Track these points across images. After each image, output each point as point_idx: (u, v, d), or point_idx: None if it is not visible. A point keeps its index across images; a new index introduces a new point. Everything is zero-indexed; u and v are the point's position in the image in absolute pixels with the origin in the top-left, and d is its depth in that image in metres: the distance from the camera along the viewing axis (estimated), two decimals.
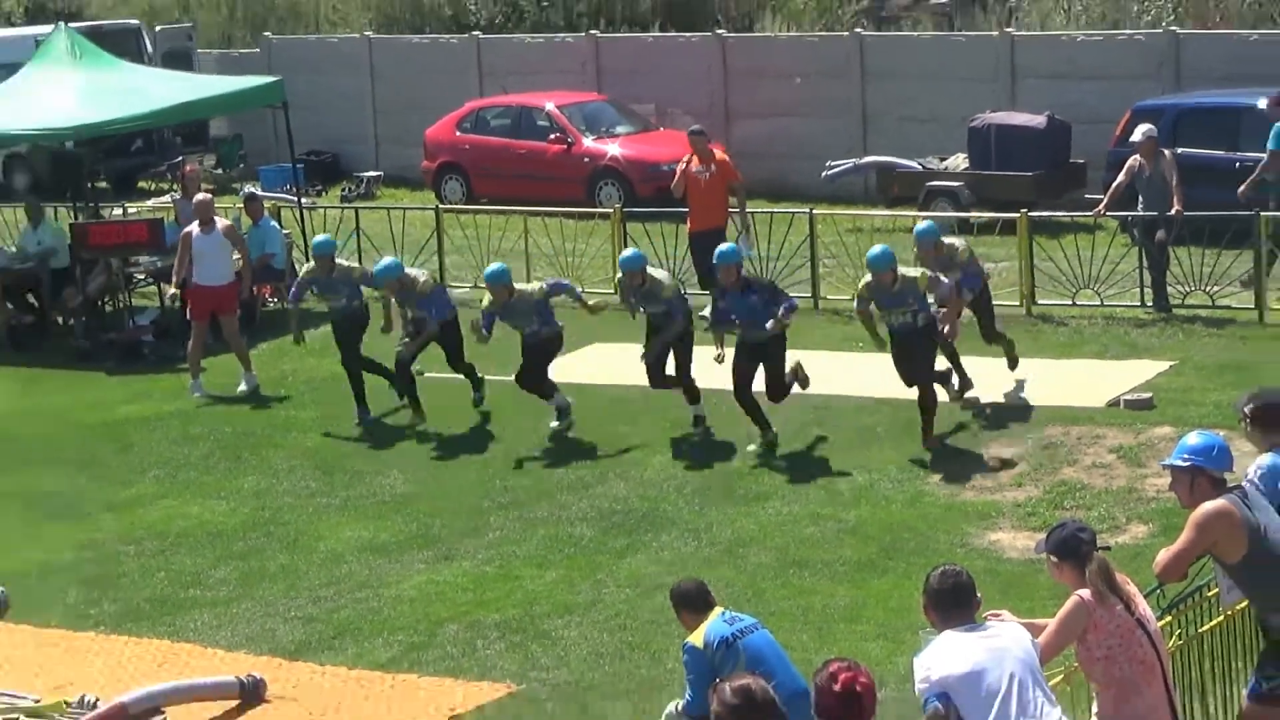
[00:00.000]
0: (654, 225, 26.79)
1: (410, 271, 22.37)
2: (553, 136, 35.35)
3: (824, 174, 32.37)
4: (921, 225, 21.69)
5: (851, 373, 22.37)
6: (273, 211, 28.78)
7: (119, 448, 22.05)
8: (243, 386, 24.11)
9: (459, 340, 22.13)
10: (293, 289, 23.56)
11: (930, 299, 19.78)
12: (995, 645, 9.29)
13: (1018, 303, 24.91)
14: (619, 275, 21.70)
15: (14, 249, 28.79)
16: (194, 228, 24.88)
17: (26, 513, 19.98)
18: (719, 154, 26.60)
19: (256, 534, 18.71)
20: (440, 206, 30.69)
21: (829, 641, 13.70)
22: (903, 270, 19.64)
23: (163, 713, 14.22)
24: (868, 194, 32.52)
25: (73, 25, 32.69)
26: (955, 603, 9.41)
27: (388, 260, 22.53)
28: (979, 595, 9.52)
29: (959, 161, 31.40)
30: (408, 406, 22.06)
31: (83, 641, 16.27)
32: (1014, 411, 20.65)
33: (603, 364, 23.82)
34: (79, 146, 30.86)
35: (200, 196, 26.17)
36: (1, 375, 26.01)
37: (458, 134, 36.68)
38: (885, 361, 19.74)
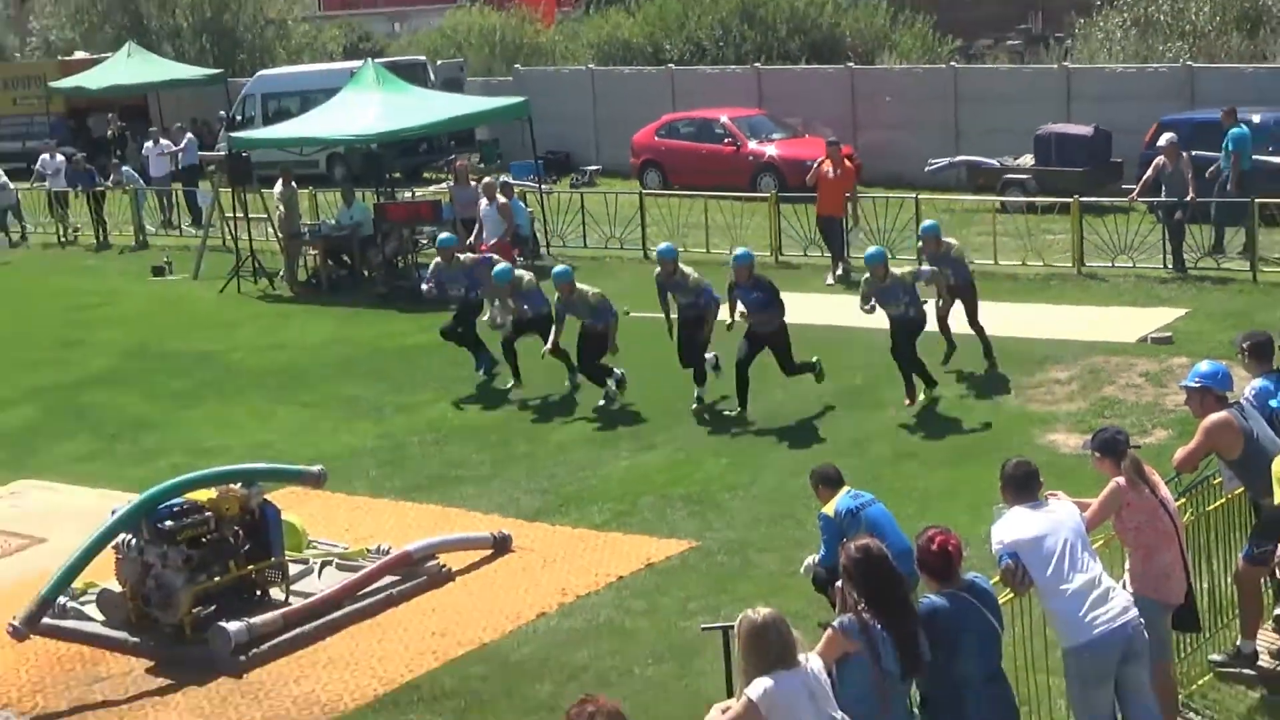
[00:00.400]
0: (799, 206, 26.72)
1: (519, 273, 20.68)
2: (726, 140, 35.30)
3: (926, 169, 32.20)
4: (926, 223, 20.32)
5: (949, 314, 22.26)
6: (520, 195, 29.03)
7: (408, 366, 22.17)
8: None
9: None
10: (425, 276, 22.26)
11: (931, 297, 18.95)
12: (1053, 518, 9.17)
13: (1070, 264, 24.69)
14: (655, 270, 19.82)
15: (334, 221, 29.10)
16: (483, 202, 26.36)
17: (341, 411, 20.14)
18: (847, 162, 26.49)
19: (505, 430, 18.74)
20: (643, 191, 30.80)
21: (928, 513, 13.49)
22: (893, 269, 18.50)
23: (437, 558, 14.27)
24: (959, 184, 32.18)
25: (377, 60, 33.11)
26: (1024, 485, 9.30)
27: (503, 265, 20.70)
28: (1041, 480, 9.39)
29: (1027, 160, 31.10)
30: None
31: (380, 505, 16.36)
32: (1068, 345, 20.33)
33: None
34: (381, 148, 31.11)
35: (487, 180, 27.47)
36: (324, 314, 26.29)
37: (656, 139, 36.75)
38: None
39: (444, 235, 22.55)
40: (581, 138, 40.39)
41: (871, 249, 18.98)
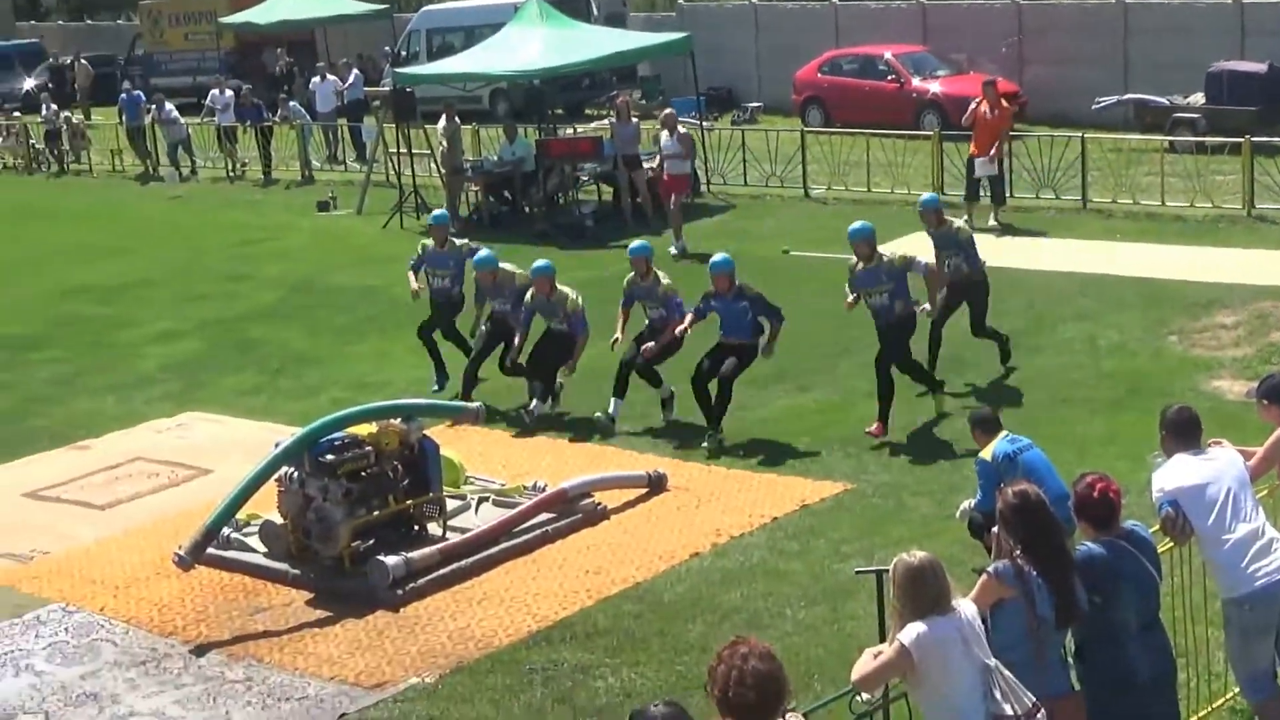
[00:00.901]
0: (963, 144, 26.29)
1: (505, 266, 17.72)
2: (889, 77, 34.97)
3: (1094, 106, 31.57)
4: (926, 195, 18.40)
5: (1112, 256, 22.00)
6: None
7: None
8: (673, 250, 24.47)
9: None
10: (412, 262, 18.91)
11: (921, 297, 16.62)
12: (1216, 466, 8.99)
13: (1240, 206, 24.08)
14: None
15: (496, 157, 29.22)
16: (663, 135, 26.07)
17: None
18: (1004, 102, 25.73)
19: (664, 368, 18.67)
20: (804, 129, 30.61)
21: (1087, 460, 13.30)
22: (883, 250, 16.21)
23: (592, 496, 14.33)
24: (1126, 123, 31.48)
25: None
26: (1186, 432, 9.13)
27: (485, 252, 18.08)
28: (1203, 427, 9.21)
29: (1198, 98, 30.35)
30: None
31: (537, 442, 16.44)
32: (1235, 289, 19.88)
33: (920, 246, 23.49)
34: (543, 84, 31.18)
35: (668, 111, 27.15)
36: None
37: (819, 75, 36.55)
38: (1137, 248, 19.22)
39: (437, 213, 20.20)
40: (744, 74, 40.16)
41: (856, 224, 16.58)
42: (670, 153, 25.81)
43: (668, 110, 27.20)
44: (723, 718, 6.41)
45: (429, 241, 18.74)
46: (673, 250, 24.53)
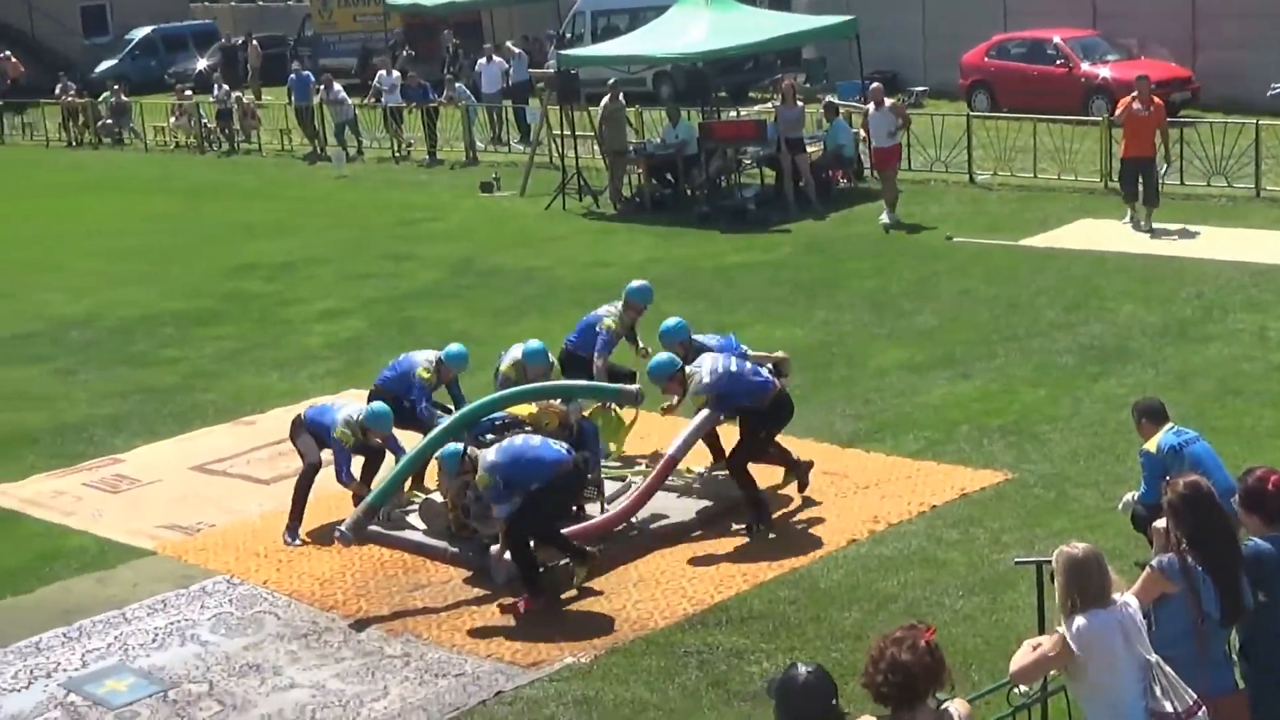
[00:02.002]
0: None
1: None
2: (1058, 62, 34.50)
3: (1269, 93, 30.94)
4: (669, 322, 14.83)
5: None
6: (845, 115, 28.90)
7: (726, 286, 22.23)
8: (884, 219, 24.98)
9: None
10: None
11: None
12: None
13: None
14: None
15: (659, 140, 29.27)
16: (870, 107, 26.02)
17: (652, 327, 20.21)
18: (1157, 98, 24.40)
19: (823, 353, 18.64)
20: (970, 114, 30.30)
21: (1256, 452, 13.07)
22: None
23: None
24: None
25: None
26: None
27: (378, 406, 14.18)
28: None
29: None
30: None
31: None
32: None
33: (1086, 234, 23.37)
34: (707, 66, 31.17)
35: (874, 85, 27.09)
36: (647, 231, 26.51)
37: (986, 59, 36.15)
38: None
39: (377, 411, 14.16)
40: (909, 57, 39.80)
41: (658, 358, 14.10)
42: (881, 126, 25.71)
43: (874, 84, 26.97)
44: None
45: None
46: (884, 220, 24.86)
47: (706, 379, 13.41)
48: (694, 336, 14.77)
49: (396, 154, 36.97)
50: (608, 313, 15.63)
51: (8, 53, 54.91)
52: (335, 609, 12.66)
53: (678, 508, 13.88)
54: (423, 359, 14.88)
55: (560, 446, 12.67)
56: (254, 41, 53.49)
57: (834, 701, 6.24)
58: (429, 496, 13.73)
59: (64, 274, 26.82)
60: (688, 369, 13.56)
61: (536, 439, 12.82)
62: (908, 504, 13.82)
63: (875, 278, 21.94)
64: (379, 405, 14.12)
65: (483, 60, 38.93)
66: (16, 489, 16.06)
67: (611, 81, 29.52)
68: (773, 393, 13.64)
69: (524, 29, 47.54)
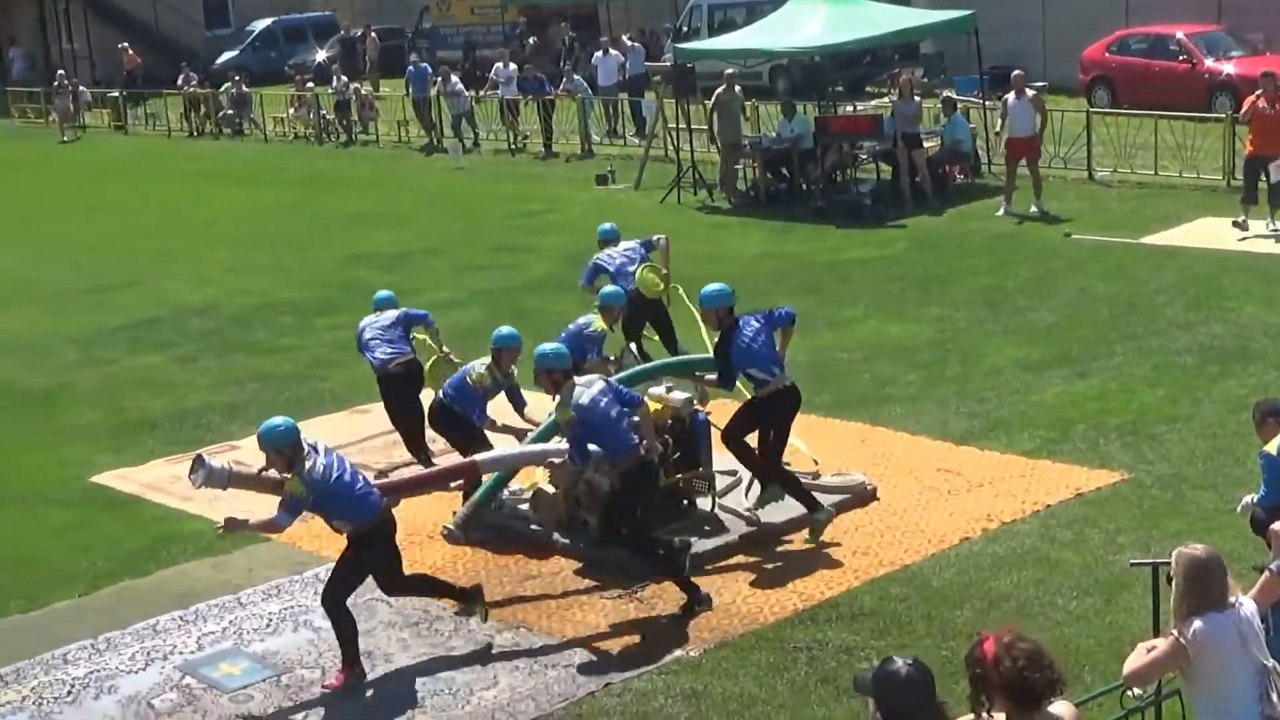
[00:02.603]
0: None
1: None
2: (1180, 58, 34.07)
3: None
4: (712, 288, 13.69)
5: None
6: (963, 110, 28.73)
7: (840, 281, 22.16)
8: (1000, 213, 25.17)
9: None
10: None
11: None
12: None
13: None
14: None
15: (774, 134, 29.23)
16: (1009, 96, 25.86)
17: None
18: None
19: (937, 350, 18.54)
20: (1090, 110, 30.05)
21: None
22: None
23: (862, 477, 14.21)
24: None
25: None
26: None
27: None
28: None
29: None
30: None
31: (805, 421, 16.29)
32: None
33: (1207, 232, 23.10)
34: (824, 60, 31.06)
35: (1016, 72, 26.61)
36: (761, 226, 26.49)
37: (1106, 55, 35.77)
38: None
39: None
40: (1029, 52, 39.34)
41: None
42: (1020, 116, 25.55)
43: (1016, 72, 26.69)
44: (976, 706, 6.35)
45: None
46: (999, 213, 25.00)
47: (584, 400, 12.03)
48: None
49: (512, 146, 37.15)
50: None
51: (125, 44, 55.78)
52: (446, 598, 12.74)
53: (792, 502, 13.82)
54: (479, 362, 14.34)
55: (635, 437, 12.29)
56: (372, 33, 54.04)
57: (933, 694, 6.20)
58: (541, 487, 13.77)
59: (186, 262, 27.20)
60: (575, 379, 12.30)
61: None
62: (1021, 503, 13.71)
63: (991, 274, 21.79)
64: (505, 328, 14.25)
65: (599, 53, 39.05)
66: (137, 474, 16.32)
67: (727, 73, 29.46)
68: (630, 459, 12.14)
69: (640, 22, 47.59)
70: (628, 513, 12.29)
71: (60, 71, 50.03)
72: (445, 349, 15.42)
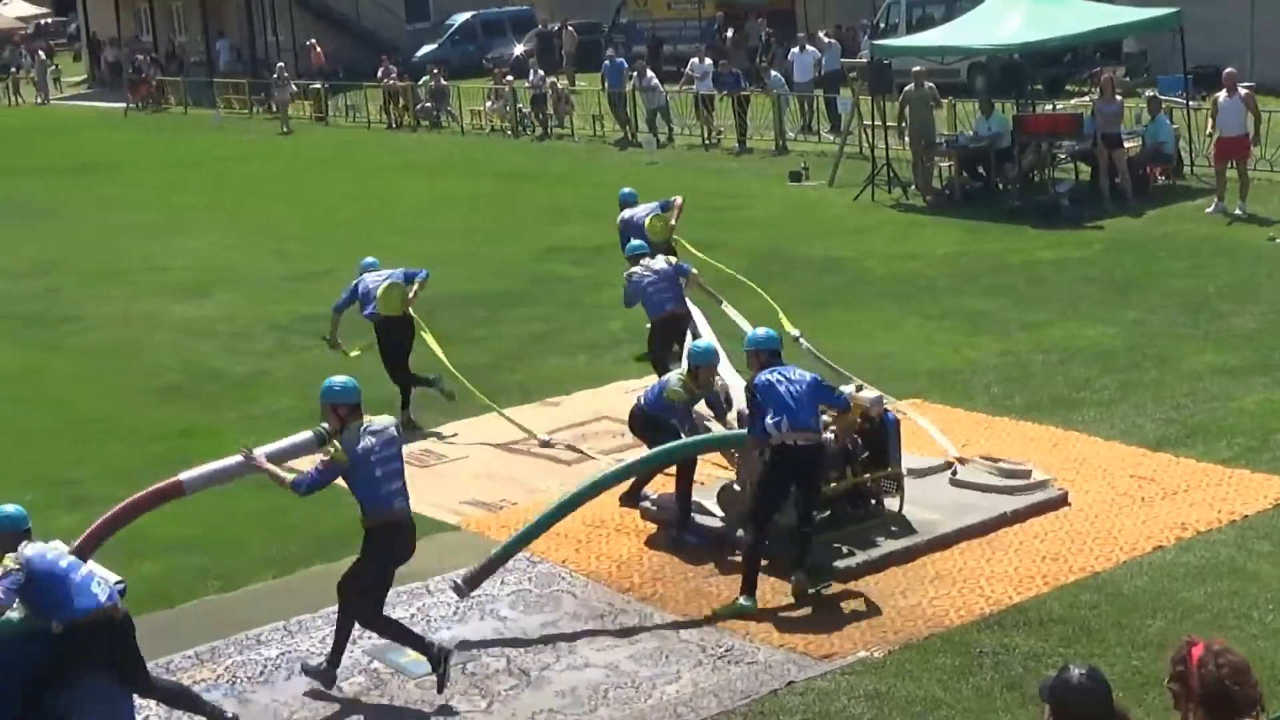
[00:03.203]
0: None
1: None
2: None
3: None
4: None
5: None
6: (1166, 111, 28.22)
7: (1034, 282, 21.89)
8: (1210, 210, 24.83)
9: None
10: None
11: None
12: None
13: None
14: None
15: (971, 132, 28.95)
16: (1220, 95, 25.31)
17: (964, 325, 20.04)
18: None
19: (1133, 353, 18.22)
20: None
21: None
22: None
23: (1051, 481, 14.03)
24: None
25: None
26: None
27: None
28: None
29: None
30: None
31: (999, 423, 16.22)
32: None
33: None
34: (1023, 58, 30.71)
35: (1229, 70, 25.98)
36: (955, 224, 26.27)
37: None
38: None
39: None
40: (1236, 51, 38.42)
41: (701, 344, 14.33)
42: (1231, 115, 25.09)
43: (1228, 70, 26.16)
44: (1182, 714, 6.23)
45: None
46: (1209, 210, 24.72)
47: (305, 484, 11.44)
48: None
49: (706, 141, 37.20)
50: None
51: (312, 40, 56.86)
52: (631, 591, 12.79)
53: (983, 505, 13.70)
54: (675, 375, 14.17)
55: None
56: (569, 28, 54.43)
57: (1110, 704, 6.09)
58: (727, 482, 13.77)
59: (383, 252, 27.45)
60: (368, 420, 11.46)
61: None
62: (1217, 512, 13.43)
63: (1190, 277, 21.39)
64: (703, 341, 14.05)
65: (795, 49, 38.93)
66: None
67: (915, 69, 29.19)
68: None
69: (837, 18, 47.38)
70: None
71: (280, 64, 50.88)
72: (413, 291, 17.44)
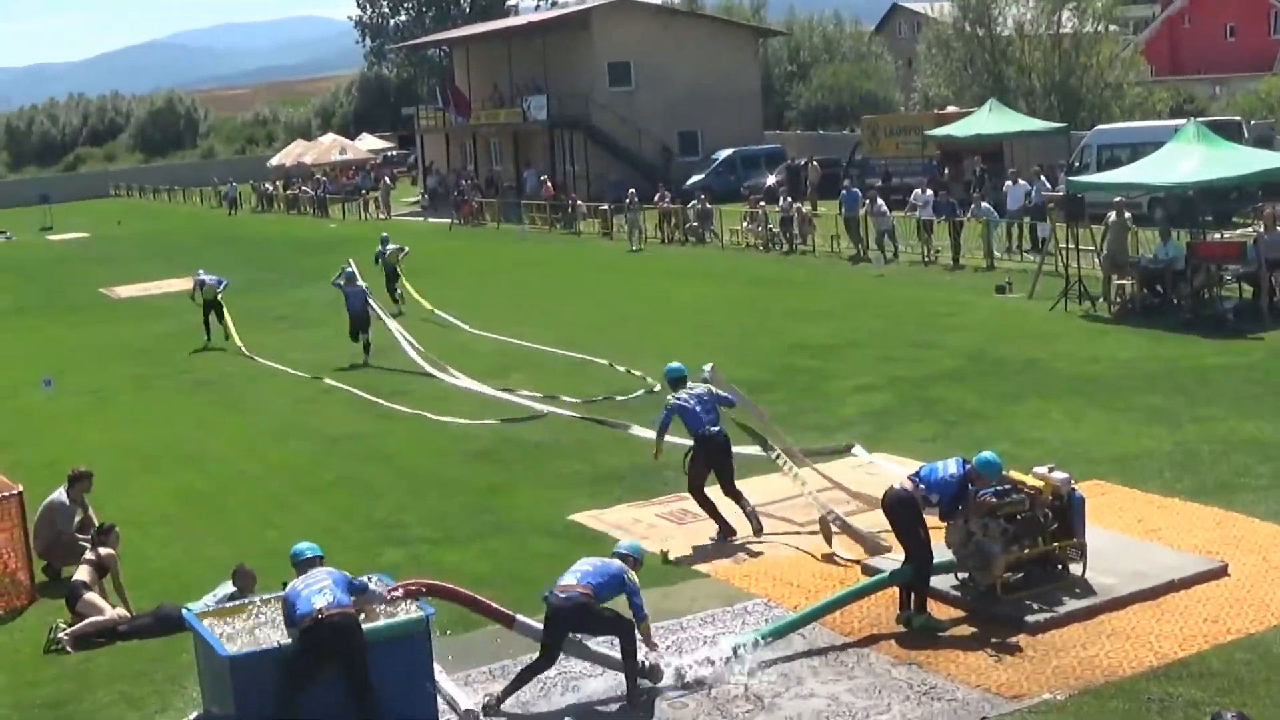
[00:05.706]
0: None
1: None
2: None
3: None
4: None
5: None
6: None
7: (1204, 384, 21.20)
8: None
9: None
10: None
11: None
12: None
13: None
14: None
15: (1151, 255, 28.29)
16: None
17: (1142, 418, 19.41)
18: None
19: None
20: None
21: None
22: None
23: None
24: None
25: (1198, 120, 32.05)
26: None
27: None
28: None
29: None
30: None
31: (1170, 503, 15.73)
32: None
33: None
34: (1197, 194, 29.95)
35: None
36: (1135, 334, 25.60)
37: None
38: None
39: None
40: None
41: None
42: None
43: None
44: None
45: None
46: None
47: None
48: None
49: (926, 259, 36.93)
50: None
51: (544, 177, 58.30)
52: (851, 634, 12.69)
53: (1154, 573, 13.32)
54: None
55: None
56: (814, 162, 54.76)
57: None
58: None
59: (654, 342, 27.88)
60: None
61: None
62: None
63: None
64: (988, 453, 13.12)
65: (1009, 182, 38.73)
66: (605, 514, 16.77)
67: (1116, 200, 28.60)
68: None
69: (1039, 158, 46.65)
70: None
71: (631, 190, 49.28)
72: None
